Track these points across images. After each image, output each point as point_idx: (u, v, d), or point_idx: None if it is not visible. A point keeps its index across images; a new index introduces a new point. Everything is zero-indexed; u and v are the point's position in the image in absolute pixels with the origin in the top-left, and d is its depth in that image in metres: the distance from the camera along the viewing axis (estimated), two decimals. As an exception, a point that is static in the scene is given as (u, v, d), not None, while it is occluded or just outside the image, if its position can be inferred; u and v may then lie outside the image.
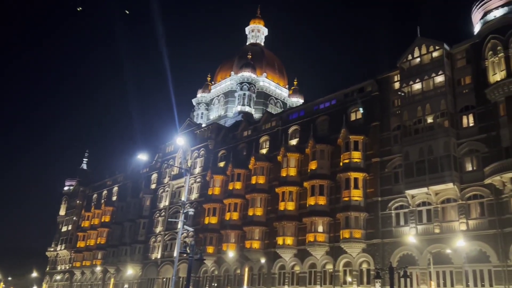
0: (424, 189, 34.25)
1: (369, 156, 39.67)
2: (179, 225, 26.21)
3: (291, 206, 43.46)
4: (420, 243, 33.76)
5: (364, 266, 37.43)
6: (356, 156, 39.81)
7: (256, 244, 45.37)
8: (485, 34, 34.51)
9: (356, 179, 38.99)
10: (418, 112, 36.56)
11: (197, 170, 57.46)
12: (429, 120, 35.91)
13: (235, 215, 48.53)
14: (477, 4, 35.94)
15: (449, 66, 36.65)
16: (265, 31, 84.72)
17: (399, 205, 36.48)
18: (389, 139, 38.93)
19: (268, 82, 76.10)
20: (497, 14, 34.21)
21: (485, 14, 35.11)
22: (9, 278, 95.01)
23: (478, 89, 34.54)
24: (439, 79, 36.32)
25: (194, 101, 79.22)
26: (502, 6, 34.08)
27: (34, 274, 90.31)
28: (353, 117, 42.83)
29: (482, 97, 33.82)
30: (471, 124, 34.60)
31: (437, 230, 33.66)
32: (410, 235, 34.16)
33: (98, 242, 69.77)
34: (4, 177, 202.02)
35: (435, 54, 37.33)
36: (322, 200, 40.97)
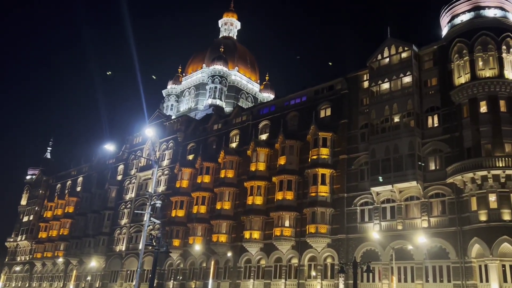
0: (389, 187, 35.08)
1: (336, 152, 40.26)
2: (146, 218, 25.86)
3: (259, 200, 43.63)
4: (383, 239, 34.60)
5: (329, 260, 38.06)
6: (324, 152, 40.31)
7: (223, 238, 45.36)
8: (452, 37, 35.53)
9: (323, 175, 39.50)
10: (386, 111, 37.34)
11: (165, 162, 56.81)
12: (396, 119, 36.74)
13: (202, 209, 48.31)
14: (445, 8, 36.93)
15: (416, 67, 37.55)
16: (238, 24, 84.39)
17: (364, 201, 37.23)
18: (356, 136, 39.60)
19: (240, 76, 75.95)
20: (464, 18, 35.27)
21: (453, 18, 36.13)
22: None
23: (443, 90, 35.57)
24: (407, 79, 37.18)
25: (164, 92, 78.20)
26: (469, 11, 35.17)
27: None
28: (322, 114, 43.30)
29: (447, 99, 34.87)
30: (435, 125, 35.62)
31: (400, 227, 34.57)
32: (374, 231, 34.96)
33: (60, 233, 68.06)
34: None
35: (403, 55, 38.16)
36: (290, 195, 41.33)
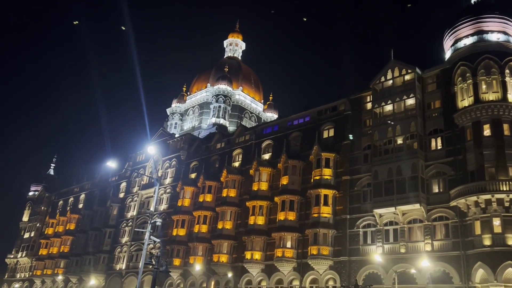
0: (392, 209, 34.79)
1: (339, 173, 40.11)
2: (146, 236, 25.67)
3: (261, 220, 43.33)
4: (386, 262, 34.14)
5: (331, 283, 37.51)
6: (327, 173, 40.18)
7: (224, 258, 44.91)
8: (455, 60, 35.73)
9: (326, 196, 39.27)
10: (389, 133, 37.32)
11: (168, 180, 56.72)
12: (399, 141, 36.68)
13: (204, 228, 48.00)
14: (448, 31, 37.26)
15: (420, 89, 37.67)
16: (243, 45, 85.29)
17: (367, 223, 36.90)
18: (359, 158, 39.50)
19: (243, 96, 76.36)
20: (467, 42, 35.53)
21: (456, 41, 36.40)
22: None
23: (446, 113, 35.58)
24: (410, 101, 37.26)
25: (168, 110, 78.61)
26: (472, 35, 35.44)
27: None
28: (325, 134, 43.32)
29: (450, 122, 34.86)
30: (439, 147, 35.51)
31: (403, 250, 34.14)
32: (377, 254, 34.52)
33: (61, 250, 67.62)
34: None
35: (407, 77, 38.33)
36: (292, 216, 41.04)
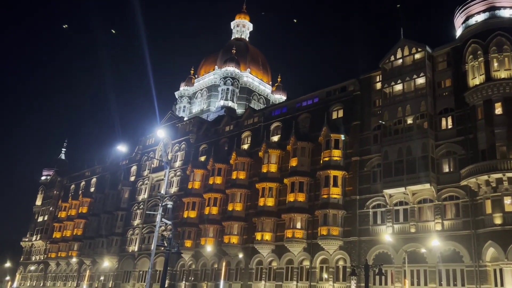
0: (402, 189, 34.74)
1: (349, 154, 40.03)
2: (157, 218, 26.00)
3: (270, 202, 43.58)
4: (396, 242, 34.27)
5: (341, 263, 37.82)
6: (336, 154, 40.13)
7: (234, 239, 45.39)
8: (466, 38, 35.10)
9: (335, 177, 39.31)
10: (399, 112, 37.02)
11: (178, 163, 57.09)
12: (409, 121, 36.39)
13: (214, 210, 48.44)
14: (459, 8, 36.50)
15: (430, 68, 37.17)
16: (250, 26, 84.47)
17: (377, 204, 36.94)
18: (369, 138, 39.33)
19: (251, 78, 76.00)
20: (478, 19, 34.82)
21: (467, 18, 35.69)
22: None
23: (457, 92, 35.15)
24: (420, 81, 36.82)
25: (176, 94, 78.63)
26: (484, 11, 34.70)
27: (8, 264, 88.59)
28: (334, 115, 43.12)
29: (461, 100, 34.44)
30: (449, 126, 35.19)
31: (413, 230, 34.21)
32: (387, 234, 34.65)
33: (74, 233, 68.82)
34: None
35: (417, 56, 37.80)
36: (301, 197, 41.20)
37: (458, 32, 36.66)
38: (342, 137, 40.42)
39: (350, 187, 38.89)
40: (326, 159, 40.32)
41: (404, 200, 35.39)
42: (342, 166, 39.78)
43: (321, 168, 40.22)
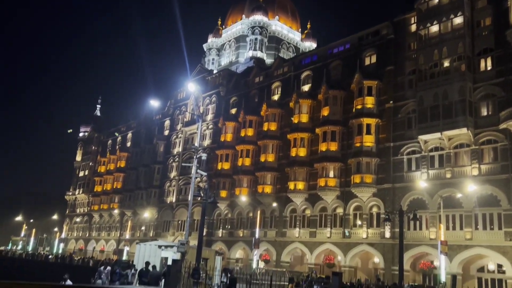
0: (437, 134, 34.04)
1: (382, 101, 39.22)
2: (193, 170, 26.70)
3: (302, 152, 43.74)
4: (431, 187, 34.05)
5: (374, 210, 38.11)
6: (369, 101, 39.38)
7: (268, 189, 46.23)
8: (509, -29, 32.71)
9: (368, 125, 38.82)
10: (435, 55, 35.58)
11: (209, 116, 57.62)
12: (446, 63, 34.99)
13: (247, 161, 49.16)
14: None
15: (469, 7, 35.15)
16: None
17: (411, 150, 36.47)
18: (403, 84, 38.25)
19: (280, 26, 74.17)
20: (523, -51, 32.23)
21: (511, -51, 33.09)
22: (31, 221, 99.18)
23: (498, 31, 33.27)
24: (458, 20, 34.99)
25: (205, 46, 78.00)
26: None
27: (55, 217, 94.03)
28: (367, 61, 41.93)
29: (502, 39, 32.66)
30: (488, 68, 33.68)
31: (448, 175, 33.79)
32: (421, 180, 34.41)
33: (114, 187, 71.79)
34: (22, 127, 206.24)
35: (455, -6, 35.71)
36: (333, 146, 41.11)
37: (501, -35, 34.15)
38: (376, 83, 39.46)
39: (384, 135, 38.40)
40: (359, 107, 39.68)
41: (439, 145, 34.75)
42: (376, 113, 39.12)
43: (354, 116, 39.70)
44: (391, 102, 38.26)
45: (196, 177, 31.00)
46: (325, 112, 42.41)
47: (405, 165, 36.61)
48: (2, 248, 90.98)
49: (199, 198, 31.24)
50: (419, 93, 35.71)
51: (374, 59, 41.36)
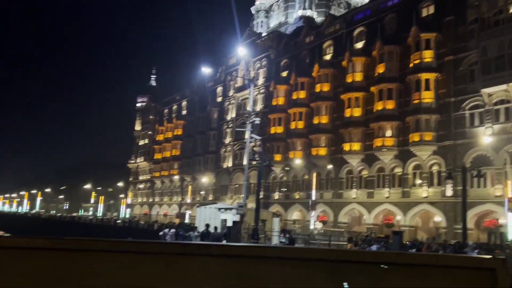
0: (503, 86, 31.90)
1: (441, 54, 37.09)
2: (247, 135, 27.00)
3: (357, 112, 42.74)
4: (496, 143, 32.30)
5: (435, 168, 36.89)
6: (427, 55, 37.41)
7: (322, 151, 45.94)
8: None
9: (427, 80, 37.05)
10: (499, 1, 32.86)
11: (260, 81, 57.42)
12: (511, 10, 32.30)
13: (300, 124, 48.85)
14: None
15: None
16: None
17: (474, 104, 34.54)
18: (464, 34, 35.82)
19: (330, -19, 71.20)
20: None
21: None
22: (99, 188, 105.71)
23: None
24: (527, -41, 31.90)
25: (253, 9, 76.85)
26: None
27: (120, 184, 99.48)
28: (424, 12, 39.56)
29: None
30: None
31: (516, 129, 31.83)
32: (486, 135, 32.69)
33: (173, 154, 74.39)
34: (82, 103, 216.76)
35: None
36: (390, 104, 39.78)
37: None
38: (434, 35, 37.29)
39: (444, 89, 36.54)
40: (417, 61, 37.83)
41: (505, 98, 32.62)
42: (434, 67, 37.16)
43: (411, 71, 37.97)
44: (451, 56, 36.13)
45: (250, 142, 31.36)
46: (380, 69, 40.88)
47: (467, 121, 34.83)
48: (75, 214, 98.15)
49: (254, 162, 31.70)
50: (482, 43, 33.36)
51: (432, 9, 38.92)
